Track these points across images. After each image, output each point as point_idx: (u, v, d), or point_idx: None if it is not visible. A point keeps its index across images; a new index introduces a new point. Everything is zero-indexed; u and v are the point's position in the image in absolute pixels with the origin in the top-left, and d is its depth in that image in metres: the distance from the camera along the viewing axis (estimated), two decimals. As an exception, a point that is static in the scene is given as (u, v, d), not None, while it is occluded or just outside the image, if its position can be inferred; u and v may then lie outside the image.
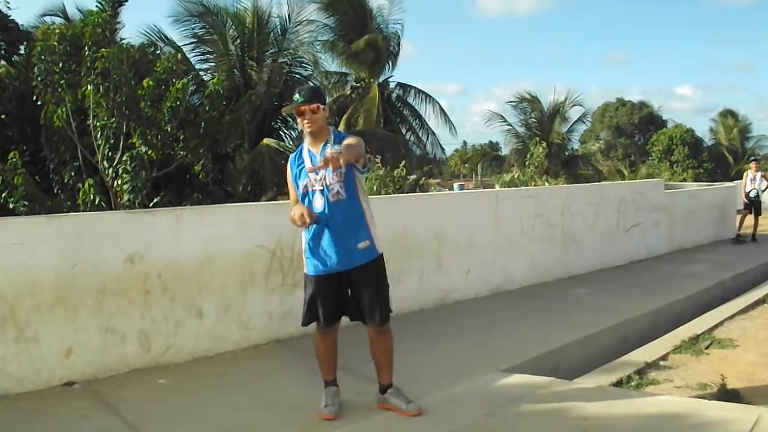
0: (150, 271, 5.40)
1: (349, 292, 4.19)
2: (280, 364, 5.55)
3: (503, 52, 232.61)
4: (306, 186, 4.14)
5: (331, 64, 24.44)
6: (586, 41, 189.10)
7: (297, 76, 20.21)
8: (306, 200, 4.14)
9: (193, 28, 19.45)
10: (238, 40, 19.45)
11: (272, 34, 19.99)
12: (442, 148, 27.07)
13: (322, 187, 4.09)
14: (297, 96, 4.11)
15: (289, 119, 19.42)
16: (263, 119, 18.61)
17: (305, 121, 4.13)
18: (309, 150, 4.21)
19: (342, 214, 4.11)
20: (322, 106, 4.18)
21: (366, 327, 4.25)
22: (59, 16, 16.53)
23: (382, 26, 24.69)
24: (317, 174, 4.07)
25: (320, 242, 4.13)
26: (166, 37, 17.95)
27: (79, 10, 15.69)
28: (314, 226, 4.09)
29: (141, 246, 5.36)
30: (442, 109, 25.93)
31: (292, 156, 4.30)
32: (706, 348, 6.20)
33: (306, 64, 20.84)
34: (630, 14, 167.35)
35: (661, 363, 5.80)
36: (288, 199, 4.43)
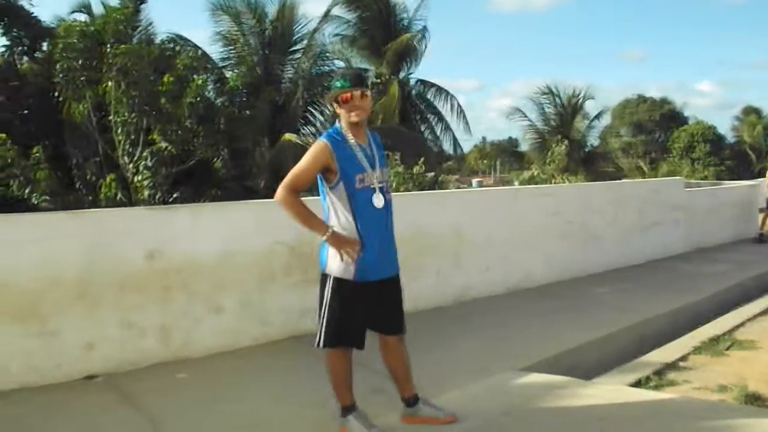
0: (169, 267, 5.44)
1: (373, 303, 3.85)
2: (297, 360, 5.57)
3: (519, 48, 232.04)
4: (364, 181, 3.70)
5: (353, 60, 24.57)
6: (601, 37, 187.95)
7: (321, 71, 20.33)
8: (362, 198, 3.70)
9: (218, 22, 19.65)
10: (261, 36, 19.57)
11: (296, 29, 20.14)
12: (460, 146, 27.12)
13: (381, 185, 3.76)
14: (340, 81, 3.71)
15: (313, 114, 19.50)
16: (284, 115, 18.71)
17: (353, 110, 3.70)
18: (357, 143, 3.75)
19: (391, 215, 3.86)
20: (368, 93, 3.77)
21: (387, 338, 3.97)
22: (83, 12, 16.70)
23: (405, 22, 24.72)
24: (373, 170, 3.73)
25: (376, 244, 3.74)
26: (182, 37, 18.14)
27: (103, 5, 15.84)
28: (370, 225, 3.73)
29: (161, 242, 5.40)
30: (460, 107, 25.98)
31: (330, 139, 3.71)
32: (727, 349, 6.15)
33: (331, 59, 20.98)
34: (645, 10, 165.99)
35: (680, 364, 5.76)
36: (314, 195, 4.03)
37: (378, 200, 3.73)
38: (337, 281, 3.75)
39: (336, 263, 3.73)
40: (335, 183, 3.69)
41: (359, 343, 3.84)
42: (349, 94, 3.67)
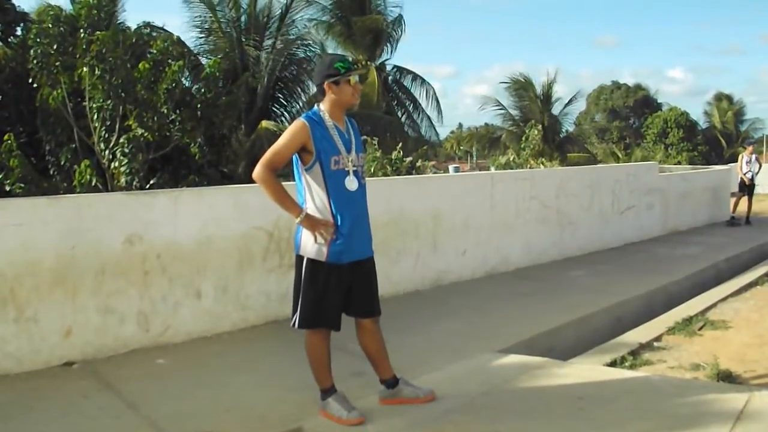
0: (149, 252, 5.42)
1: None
2: (277, 344, 5.59)
3: (494, 35, 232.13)
4: (339, 163, 3.76)
5: (328, 46, 24.46)
6: (575, 24, 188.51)
7: (295, 57, 20.23)
8: (336, 180, 3.76)
9: (193, 8, 19.49)
10: (236, 22, 19.43)
11: (270, 15, 19.99)
12: (437, 132, 27.23)
13: (356, 168, 3.82)
14: (344, 64, 3.81)
15: (288, 100, 19.40)
16: (261, 101, 18.62)
17: (356, 92, 3.85)
18: (335, 125, 3.82)
19: (365, 199, 3.92)
20: None
21: (363, 321, 3.99)
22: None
23: (380, 8, 24.67)
24: (348, 153, 3.79)
25: (351, 227, 3.78)
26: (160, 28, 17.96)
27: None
28: (344, 208, 3.78)
29: (140, 227, 5.38)
30: (435, 94, 26.13)
31: (308, 119, 3.78)
32: (700, 329, 6.26)
33: (308, 45, 20.86)
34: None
35: (655, 344, 5.86)
36: (290, 180, 4.07)
37: (351, 183, 3.80)
38: (312, 262, 3.80)
39: (310, 245, 3.79)
40: (311, 164, 3.75)
41: (335, 324, 3.90)
42: (352, 78, 3.80)
